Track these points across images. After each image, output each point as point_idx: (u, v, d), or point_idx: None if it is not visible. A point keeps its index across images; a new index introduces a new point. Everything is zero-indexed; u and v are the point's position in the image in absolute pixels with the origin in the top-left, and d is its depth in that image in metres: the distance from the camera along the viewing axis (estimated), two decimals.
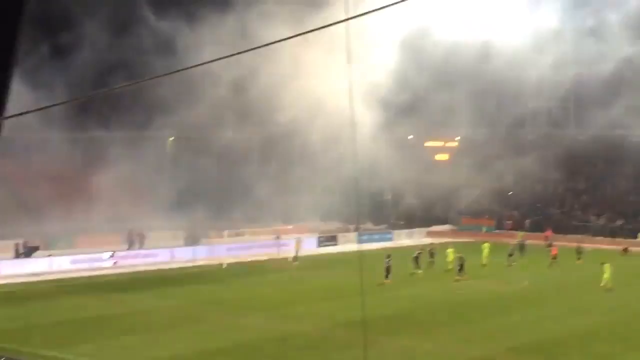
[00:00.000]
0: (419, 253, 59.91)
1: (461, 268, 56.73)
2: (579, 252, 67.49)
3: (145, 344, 36.92)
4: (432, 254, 61.47)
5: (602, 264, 53.14)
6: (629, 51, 78.99)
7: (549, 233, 79.92)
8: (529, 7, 79.39)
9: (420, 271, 58.72)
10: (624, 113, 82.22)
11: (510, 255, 64.66)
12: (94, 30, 72.64)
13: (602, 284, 51.68)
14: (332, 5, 58.55)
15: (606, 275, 52.01)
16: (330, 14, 62.69)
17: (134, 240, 70.08)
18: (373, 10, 10.86)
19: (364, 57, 71.46)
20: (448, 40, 76.26)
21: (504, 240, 74.35)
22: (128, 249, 67.64)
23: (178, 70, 19.35)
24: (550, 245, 66.48)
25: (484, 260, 65.06)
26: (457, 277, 56.10)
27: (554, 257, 63.61)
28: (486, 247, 66.33)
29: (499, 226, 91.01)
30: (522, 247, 69.91)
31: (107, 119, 76.48)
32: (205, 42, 65.48)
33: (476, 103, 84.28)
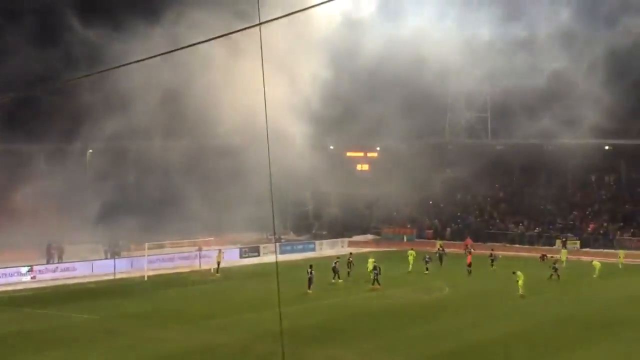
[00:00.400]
0: (336, 262, 60.11)
1: (376, 277, 57.07)
2: (492, 259, 68.71)
3: (66, 358, 36.38)
4: (349, 264, 61.54)
5: (514, 272, 54.13)
6: (555, 65, 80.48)
7: (468, 241, 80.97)
8: (459, 20, 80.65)
9: (340, 280, 58.97)
10: (549, 124, 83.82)
11: (427, 262, 65.28)
12: (17, 39, 71.29)
13: (519, 293, 52.68)
14: (264, 16, 58.63)
15: (519, 282, 53.02)
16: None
17: (53, 255, 68.98)
18: (284, 15, 10.96)
19: (293, 68, 71.79)
20: (377, 52, 76.89)
21: (426, 249, 75.06)
22: (47, 264, 66.47)
23: (102, 71, 19.18)
24: (470, 253, 67.38)
25: (410, 268, 65.83)
26: (372, 287, 56.55)
27: (469, 265, 64.43)
28: (412, 254, 67.15)
29: (420, 235, 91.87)
30: (441, 256, 70.67)
31: (28, 132, 75.13)
32: (135, 52, 64.78)
33: (399, 114, 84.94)
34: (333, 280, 58.63)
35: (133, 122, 72.11)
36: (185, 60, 68.50)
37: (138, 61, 17.21)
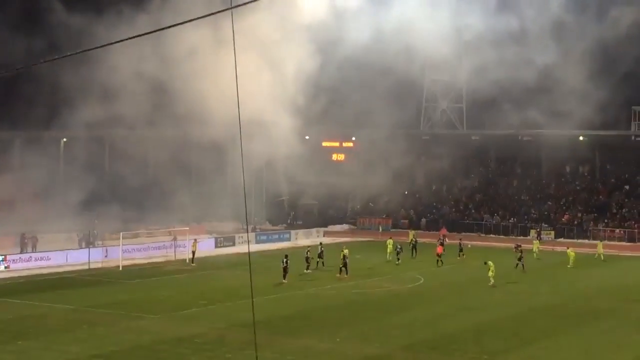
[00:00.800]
0: (307, 252, 60.19)
1: (344, 266, 57.32)
2: (460, 249, 69.15)
3: (40, 348, 36.23)
4: (320, 254, 61.57)
5: (485, 262, 54.38)
6: (533, 56, 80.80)
7: (443, 231, 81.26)
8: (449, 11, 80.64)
9: (309, 271, 58.94)
10: (525, 115, 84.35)
11: (398, 253, 65.49)
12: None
13: (490, 283, 52.93)
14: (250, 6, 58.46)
15: (490, 273, 53.24)
16: (244, 14, 62.94)
17: (27, 244, 68.63)
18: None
19: (276, 57, 71.53)
20: (362, 41, 76.76)
21: (400, 239, 75.21)
22: (20, 253, 66.13)
23: (79, 52, 19.02)
24: (441, 244, 67.60)
25: (389, 257, 66.01)
26: (338, 276, 56.76)
27: (439, 255, 64.51)
28: (390, 243, 67.45)
29: (396, 225, 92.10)
30: (414, 246, 70.71)
31: (4, 118, 74.63)
32: (119, 37, 64.15)
33: (378, 104, 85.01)
34: (306, 271, 58.61)
35: (111, 111, 71.80)
36: (169, 49, 68.17)
37: (112, 43, 17.17)
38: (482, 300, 49.35)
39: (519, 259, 61.43)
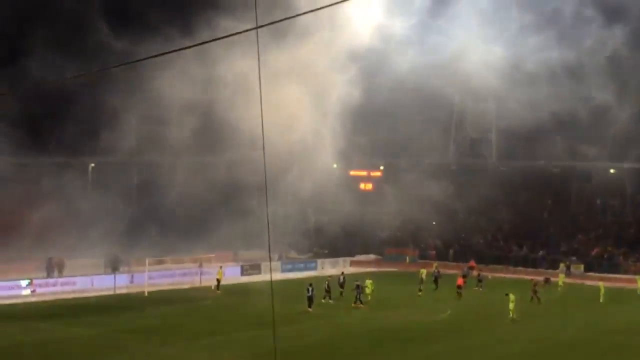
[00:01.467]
0: (327, 282, 59.87)
1: (359, 295, 57.13)
2: (479, 280, 68.53)
3: None
4: (341, 284, 61.23)
5: (507, 294, 53.53)
6: (587, 93, 79.89)
7: (472, 263, 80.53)
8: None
9: (331, 301, 58.46)
10: (556, 147, 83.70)
11: (420, 283, 65.05)
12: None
13: (510, 316, 52.06)
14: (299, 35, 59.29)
15: (511, 305, 52.33)
16: (294, 40, 63.05)
17: (53, 268, 68.69)
18: (284, 19, 10.73)
19: (316, 83, 71.25)
20: (405, 68, 76.16)
21: (428, 270, 74.55)
22: (47, 277, 66.20)
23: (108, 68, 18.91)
24: (463, 276, 66.92)
25: (422, 287, 65.43)
26: (354, 305, 56.47)
27: (459, 287, 63.75)
28: (423, 272, 67.31)
29: (423, 256, 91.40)
30: (436, 278, 69.90)
31: (33, 144, 74.80)
32: (163, 59, 64.03)
33: (406, 133, 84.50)
34: (323, 300, 58.05)
35: (148, 135, 71.83)
36: (211, 74, 68.09)
37: (145, 59, 17.00)
38: (507, 333, 48.62)
39: (534, 292, 60.53)
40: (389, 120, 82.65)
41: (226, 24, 64.70)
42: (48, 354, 39.82)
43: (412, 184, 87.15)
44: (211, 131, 71.47)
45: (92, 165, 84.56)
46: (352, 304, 56.82)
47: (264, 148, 18.00)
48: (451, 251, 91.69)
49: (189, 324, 49.40)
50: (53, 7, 74.71)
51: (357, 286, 57.73)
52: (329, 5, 11.32)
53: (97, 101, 71.77)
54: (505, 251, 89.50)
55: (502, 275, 78.72)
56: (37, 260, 69.42)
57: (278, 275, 73.44)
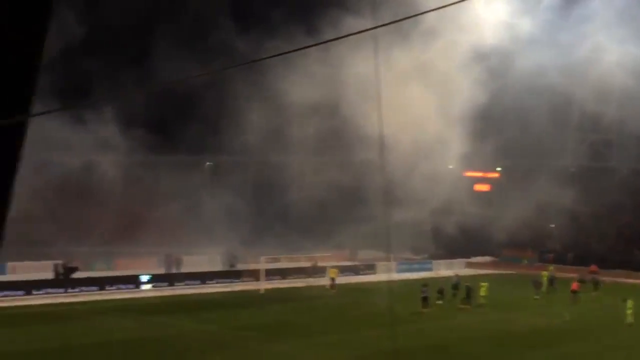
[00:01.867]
0: (442, 285, 59.54)
1: (468, 297, 56.71)
2: (595, 283, 66.78)
3: None
4: (455, 286, 60.56)
5: (624, 300, 51.81)
6: None
7: (594, 268, 78.40)
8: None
9: (440, 302, 57.80)
10: None
11: (536, 287, 64.00)
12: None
13: (627, 321, 50.48)
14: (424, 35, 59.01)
15: (628, 311, 50.72)
16: (418, 41, 62.82)
17: (171, 264, 70.07)
18: (401, 19, 10.57)
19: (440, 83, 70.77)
20: (531, 68, 74.90)
21: (544, 273, 73.19)
22: (165, 273, 67.60)
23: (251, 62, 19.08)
24: (579, 281, 65.34)
25: (544, 289, 64.50)
26: (461, 306, 56.04)
27: (573, 292, 62.12)
28: (545, 275, 66.12)
29: (542, 259, 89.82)
30: (551, 281, 68.52)
31: (160, 142, 76.45)
32: (287, 59, 64.60)
33: (522, 133, 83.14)
34: (437, 302, 57.49)
35: (276, 133, 72.57)
36: (336, 73, 68.45)
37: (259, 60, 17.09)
38: (630, 338, 47.25)
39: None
40: (512, 122, 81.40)
41: (352, 23, 64.88)
42: (163, 348, 40.53)
43: (531, 186, 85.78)
44: (334, 131, 71.80)
45: (209, 164, 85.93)
46: (459, 305, 56.28)
47: (382, 149, 17.82)
48: (570, 255, 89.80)
49: (305, 322, 49.59)
50: (178, 9, 76.09)
51: (467, 287, 57.28)
52: (454, 3, 11.06)
53: (220, 100, 72.91)
54: (627, 256, 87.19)
55: (624, 280, 76.60)
56: (153, 256, 71.10)
57: (393, 276, 73.14)
